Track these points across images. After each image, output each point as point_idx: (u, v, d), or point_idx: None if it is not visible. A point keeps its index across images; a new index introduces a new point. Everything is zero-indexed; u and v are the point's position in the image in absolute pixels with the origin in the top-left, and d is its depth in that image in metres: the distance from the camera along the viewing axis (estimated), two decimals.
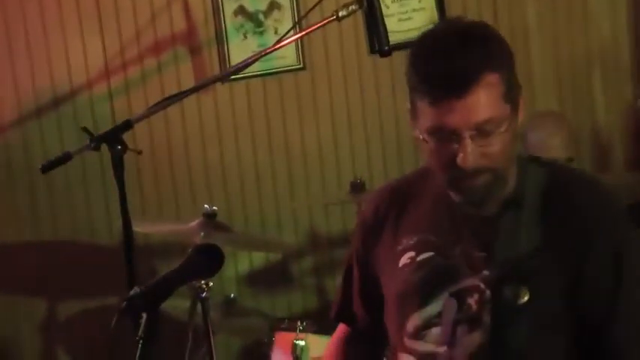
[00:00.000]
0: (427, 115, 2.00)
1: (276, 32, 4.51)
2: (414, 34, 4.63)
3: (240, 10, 4.55)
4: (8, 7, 4.36)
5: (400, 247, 2.19)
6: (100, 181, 4.41)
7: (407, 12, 4.68)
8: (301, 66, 4.62)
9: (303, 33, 3.14)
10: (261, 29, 4.57)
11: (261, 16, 4.57)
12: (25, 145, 4.46)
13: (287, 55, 4.57)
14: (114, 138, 2.76)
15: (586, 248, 2.01)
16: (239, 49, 4.51)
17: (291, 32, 3.18)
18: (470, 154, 1.97)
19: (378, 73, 4.65)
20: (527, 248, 2.03)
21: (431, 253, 2.14)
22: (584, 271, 2.00)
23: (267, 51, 2.96)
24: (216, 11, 4.52)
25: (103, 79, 4.49)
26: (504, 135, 1.99)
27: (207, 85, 3.50)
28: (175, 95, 2.98)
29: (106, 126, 2.89)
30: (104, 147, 2.78)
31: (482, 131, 1.97)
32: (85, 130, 2.79)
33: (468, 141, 1.97)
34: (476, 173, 2.00)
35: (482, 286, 2.04)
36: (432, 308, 2.10)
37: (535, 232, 2.04)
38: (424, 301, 2.11)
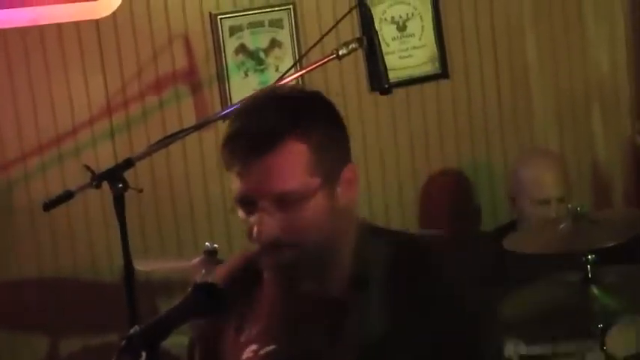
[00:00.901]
0: (233, 183, 1.86)
1: (277, 70, 4.52)
2: (414, 72, 4.69)
3: (241, 48, 4.57)
4: (10, 46, 4.38)
5: (243, 339, 2.01)
6: (101, 217, 4.41)
7: (407, 49, 4.70)
8: None
9: (304, 71, 3.17)
10: (262, 67, 4.58)
11: (262, 54, 4.58)
12: (27, 181, 4.47)
13: None
14: (115, 176, 2.78)
15: (438, 327, 1.84)
16: (240, 87, 4.52)
17: (292, 70, 3.21)
18: (263, 227, 1.83)
19: (378, 110, 4.66)
20: (377, 333, 1.84)
21: (273, 346, 1.94)
22: (439, 350, 1.83)
23: None
24: (217, 49, 4.54)
25: (104, 117, 4.50)
26: (313, 209, 1.83)
27: (208, 124, 3.51)
28: (176, 133, 3.01)
29: (108, 162, 2.90)
30: (106, 184, 2.80)
31: (281, 203, 1.82)
32: (87, 168, 2.81)
33: (262, 213, 1.82)
34: (275, 249, 1.84)
35: None
36: None
37: (384, 313, 1.85)
38: None
